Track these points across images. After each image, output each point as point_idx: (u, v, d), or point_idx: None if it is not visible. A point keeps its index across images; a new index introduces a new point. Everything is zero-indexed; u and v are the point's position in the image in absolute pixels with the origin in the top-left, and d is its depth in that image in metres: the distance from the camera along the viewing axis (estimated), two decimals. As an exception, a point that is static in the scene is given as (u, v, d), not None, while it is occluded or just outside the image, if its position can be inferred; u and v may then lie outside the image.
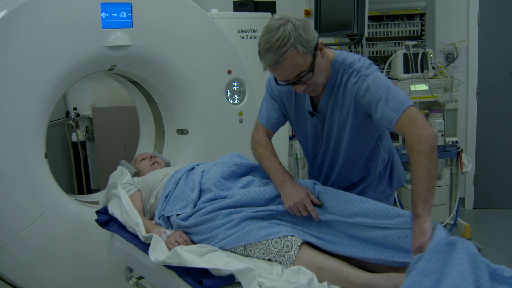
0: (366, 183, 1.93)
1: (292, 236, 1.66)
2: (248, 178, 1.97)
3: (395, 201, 3.22)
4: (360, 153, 1.83)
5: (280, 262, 1.64)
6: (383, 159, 1.92)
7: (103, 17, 2.42)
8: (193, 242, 1.85)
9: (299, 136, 1.99)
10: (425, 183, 1.44)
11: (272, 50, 1.50)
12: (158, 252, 1.71)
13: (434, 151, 1.47)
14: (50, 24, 2.29)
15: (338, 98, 1.71)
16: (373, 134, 1.81)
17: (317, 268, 1.57)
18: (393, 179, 1.98)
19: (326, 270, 1.56)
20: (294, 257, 1.60)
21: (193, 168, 2.14)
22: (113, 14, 2.45)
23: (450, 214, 3.34)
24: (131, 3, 2.49)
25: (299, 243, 1.63)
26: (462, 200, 4.02)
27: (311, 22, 3.68)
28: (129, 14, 2.49)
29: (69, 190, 4.15)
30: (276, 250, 1.64)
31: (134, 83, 3.07)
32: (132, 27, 2.51)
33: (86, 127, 4.29)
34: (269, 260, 1.67)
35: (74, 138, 4.13)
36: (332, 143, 1.84)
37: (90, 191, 4.27)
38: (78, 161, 4.18)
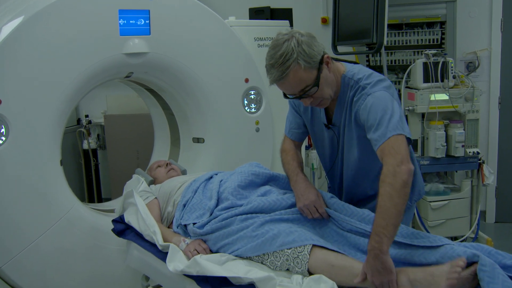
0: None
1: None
2: (266, 188, 1.96)
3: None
4: (370, 166, 1.78)
5: (294, 263, 1.63)
6: None
7: (121, 24, 2.41)
8: (211, 251, 1.84)
9: (317, 147, 2.00)
10: (392, 218, 1.42)
11: (276, 66, 1.55)
12: (177, 262, 1.71)
13: (406, 187, 1.45)
14: (68, 30, 2.28)
15: (347, 113, 1.73)
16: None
17: (330, 265, 1.56)
18: (413, 192, 1.93)
19: (338, 267, 1.55)
20: (308, 255, 1.59)
21: (211, 177, 2.14)
22: (131, 21, 2.44)
23: (470, 227, 3.26)
24: (149, 10, 2.48)
25: (311, 245, 1.62)
26: (483, 213, 3.92)
27: (329, 30, 3.64)
28: (147, 21, 2.48)
29: (80, 199, 4.12)
30: (290, 251, 1.64)
31: (150, 90, 3.06)
32: (150, 34, 2.50)
33: (98, 135, 4.28)
34: (287, 269, 1.66)
35: (85, 146, 4.13)
36: (345, 156, 1.85)
37: (101, 200, 4.26)
38: (89, 169, 4.17)
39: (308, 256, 1.59)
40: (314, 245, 1.62)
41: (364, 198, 1.92)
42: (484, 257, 1.38)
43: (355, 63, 1.86)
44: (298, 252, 1.62)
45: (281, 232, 1.68)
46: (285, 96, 1.67)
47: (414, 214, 3.15)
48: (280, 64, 1.54)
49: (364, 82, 1.65)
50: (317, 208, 1.76)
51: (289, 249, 1.63)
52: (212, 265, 1.63)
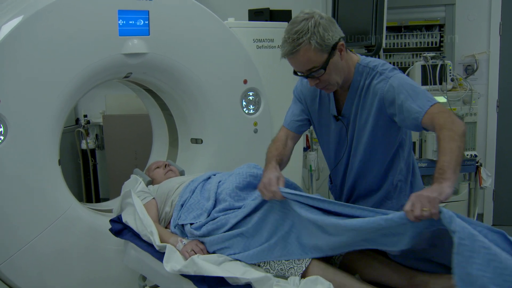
0: (383, 193, 1.88)
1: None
2: None
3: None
4: (378, 157, 1.80)
5: (289, 273, 1.63)
6: (401, 170, 1.88)
7: (120, 24, 2.41)
8: (208, 252, 1.84)
9: (322, 141, 1.98)
10: (454, 154, 1.40)
11: (289, 41, 1.59)
12: (173, 262, 1.71)
13: (464, 136, 1.47)
14: (67, 30, 2.29)
15: (361, 101, 1.74)
16: (393, 140, 1.78)
17: (328, 281, 1.55)
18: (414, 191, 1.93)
19: (336, 284, 1.54)
20: (304, 268, 1.60)
21: (209, 178, 2.14)
22: (130, 22, 2.44)
23: (468, 230, 3.26)
24: (148, 11, 2.48)
25: (310, 259, 1.62)
26: (480, 216, 3.93)
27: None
28: (146, 22, 2.48)
29: (78, 199, 4.11)
30: (287, 262, 1.66)
31: (149, 91, 3.06)
32: (149, 34, 2.50)
33: (96, 135, 4.28)
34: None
35: (83, 146, 4.12)
36: (353, 148, 1.83)
37: (99, 200, 4.25)
38: (87, 169, 4.16)
39: (304, 268, 1.61)
40: (311, 261, 1.62)
41: (365, 193, 1.91)
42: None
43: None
44: (296, 264, 1.63)
45: (278, 243, 1.68)
46: (294, 73, 1.69)
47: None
48: (293, 40, 1.57)
49: (381, 68, 1.69)
50: (271, 186, 1.67)
51: (287, 261, 1.65)
52: (209, 265, 1.63)
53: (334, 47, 1.60)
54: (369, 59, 1.76)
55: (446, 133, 1.45)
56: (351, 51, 1.79)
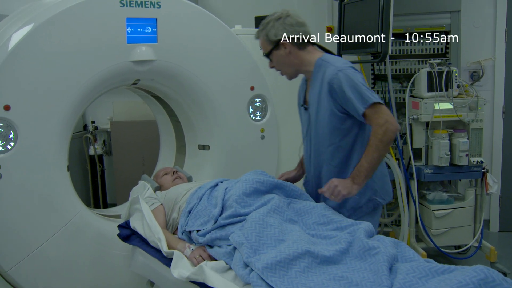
0: None
1: None
2: (270, 196, 1.96)
3: (416, 221, 3.16)
4: (335, 148, 1.98)
5: None
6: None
7: (129, 31, 2.44)
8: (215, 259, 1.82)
9: (302, 134, 2.19)
10: (374, 164, 1.84)
11: (259, 27, 2.04)
12: (181, 268, 1.71)
13: (390, 143, 1.84)
14: (77, 38, 2.31)
15: (319, 91, 1.98)
16: (349, 129, 1.96)
17: None
18: (383, 191, 2.08)
19: None
20: None
21: (216, 185, 2.14)
22: (138, 29, 2.47)
23: (474, 236, 3.25)
24: (156, 19, 2.51)
25: None
26: (487, 222, 3.91)
27: (333, 39, 3.66)
28: (154, 29, 2.51)
29: (85, 204, 4.14)
30: None
31: (156, 97, 3.08)
32: (157, 42, 2.52)
33: (104, 141, 4.31)
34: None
35: (91, 152, 4.15)
36: (313, 136, 2.06)
37: (106, 205, 4.27)
38: (95, 175, 4.18)
39: None
40: None
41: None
42: None
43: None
44: None
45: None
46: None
47: (418, 222, 3.16)
48: (259, 29, 2.04)
49: (337, 63, 1.94)
50: None
51: None
52: (215, 277, 1.61)
53: (277, 42, 1.96)
54: (332, 56, 2.03)
55: (374, 142, 1.82)
56: (328, 51, 2.08)
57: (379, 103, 1.84)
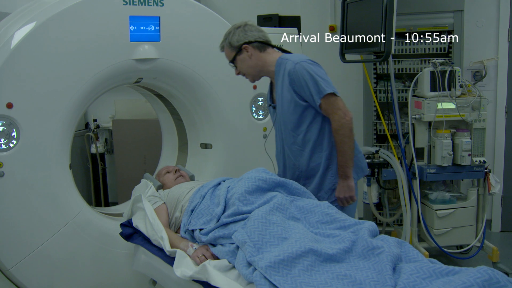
0: (320, 170, 2.16)
1: None
2: (272, 193, 1.96)
3: (418, 220, 3.16)
4: (297, 133, 2.13)
5: None
6: (327, 158, 2.15)
7: (132, 30, 2.44)
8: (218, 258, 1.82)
9: (275, 135, 2.33)
10: (349, 155, 2.06)
11: (222, 39, 2.21)
12: (184, 267, 1.70)
13: (352, 131, 2.05)
14: (79, 36, 2.31)
15: (283, 85, 2.11)
16: (311, 121, 2.10)
17: None
18: (358, 169, 2.21)
19: None
20: None
21: (219, 184, 2.14)
22: (141, 27, 2.47)
23: (476, 236, 3.24)
24: (159, 17, 2.51)
25: None
26: (489, 222, 3.91)
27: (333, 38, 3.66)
28: (157, 28, 2.51)
29: (87, 202, 4.16)
30: None
31: (159, 96, 3.08)
32: (159, 40, 2.52)
33: (106, 139, 4.31)
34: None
35: (93, 150, 4.15)
36: (280, 131, 2.21)
37: (107, 204, 4.27)
38: (97, 173, 4.19)
39: None
40: None
41: (299, 174, 2.20)
42: None
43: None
44: None
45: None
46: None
47: (420, 221, 3.15)
48: (222, 40, 2.21)
49: (295, 58, 2.08)
50: None
51: None
52: (219, 276, 1.61)
53: (240, 48, 2.12)
54: (291, 54, 2.17)
55: (338, 138, 2.05)
56: (288, 52, 2.22)
57: (333, 94, 2.00)
